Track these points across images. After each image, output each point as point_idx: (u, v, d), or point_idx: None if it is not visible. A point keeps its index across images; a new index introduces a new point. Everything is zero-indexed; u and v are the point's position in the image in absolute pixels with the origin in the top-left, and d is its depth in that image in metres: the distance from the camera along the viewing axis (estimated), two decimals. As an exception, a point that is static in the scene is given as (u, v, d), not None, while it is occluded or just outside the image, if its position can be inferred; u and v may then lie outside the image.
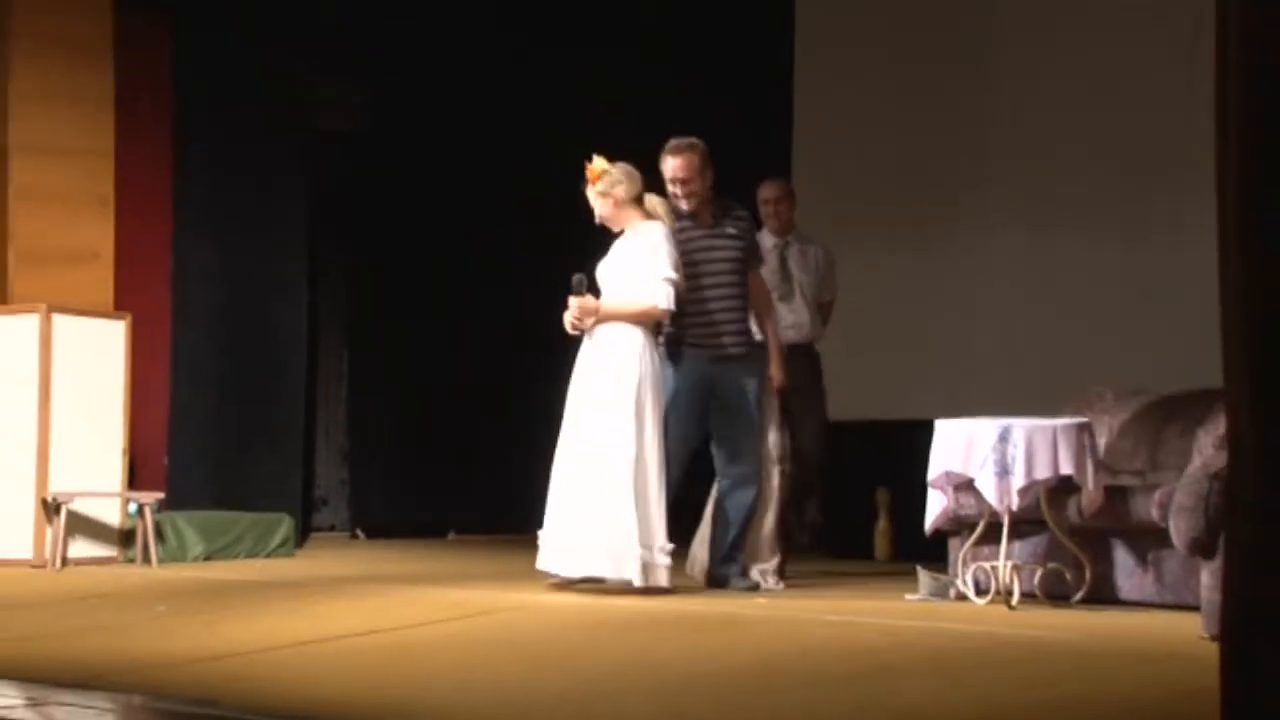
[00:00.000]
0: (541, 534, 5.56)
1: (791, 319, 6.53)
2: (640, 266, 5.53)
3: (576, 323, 5.53)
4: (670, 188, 5.79)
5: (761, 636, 4.49)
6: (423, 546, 8.48)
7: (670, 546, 5.41)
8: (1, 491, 6.80)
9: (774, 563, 5.90)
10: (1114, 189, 7.36)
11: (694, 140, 5.83)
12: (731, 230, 5.90)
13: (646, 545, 5.31)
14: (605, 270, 5.64)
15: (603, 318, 5.50)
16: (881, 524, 7.76)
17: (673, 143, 5.81)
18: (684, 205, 5.80)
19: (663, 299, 5.51)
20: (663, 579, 5.36)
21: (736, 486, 5.80)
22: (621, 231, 5.69)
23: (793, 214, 6.70)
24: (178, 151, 8.10)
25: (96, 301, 7.45)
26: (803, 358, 6.51)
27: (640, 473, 5.35)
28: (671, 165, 5.78)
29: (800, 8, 8.45)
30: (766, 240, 6.53)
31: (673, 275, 5.53)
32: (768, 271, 6.42)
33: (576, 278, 5.53)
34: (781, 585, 5.84)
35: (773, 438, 5.92)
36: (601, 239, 5.85)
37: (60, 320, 6.89)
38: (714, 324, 5.79)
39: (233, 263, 8.24)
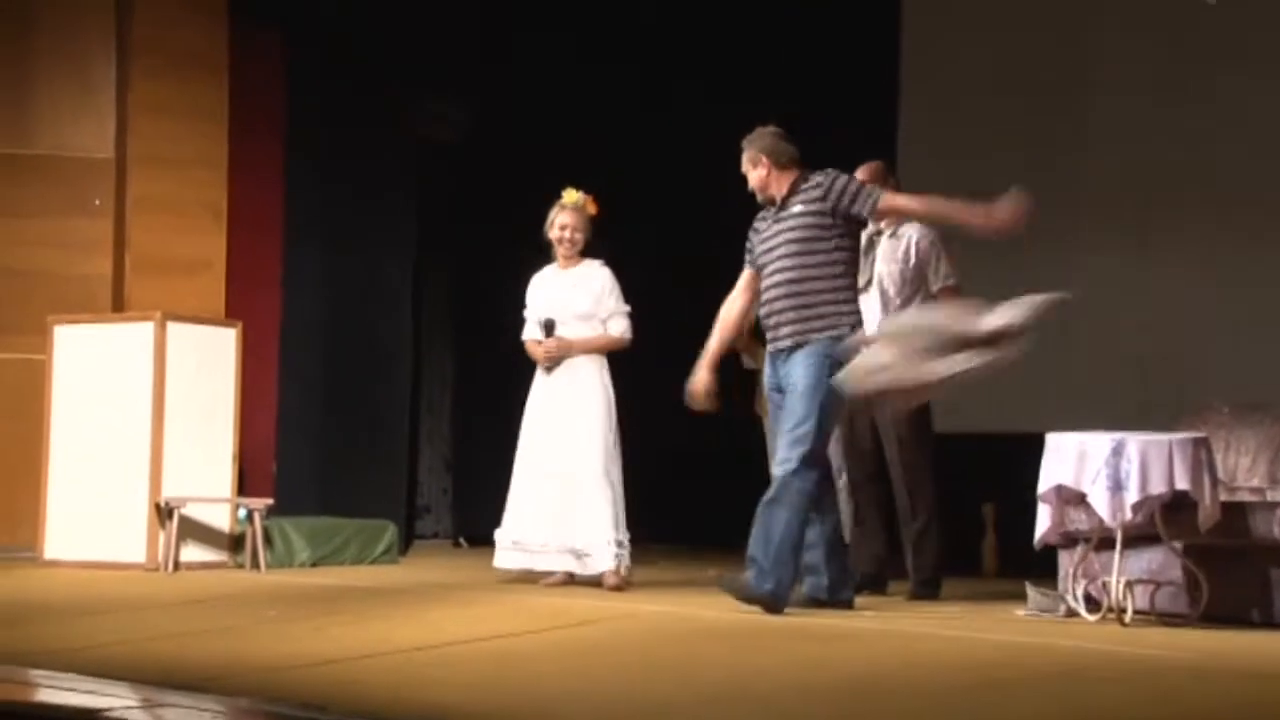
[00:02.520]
0: (518, 537, 6.25)
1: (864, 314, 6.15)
2: (599, 301, 6.29)
3: (550, 357, 6.30)
4: None
5: (867, 649, 4.44)
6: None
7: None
8: (116, 495, 6.95)
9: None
10: (1223, 197, 7.20)
11: (746, 139, 5.53)
12: (798, 208, 5.38)
13: (620, 539, 6.13)
14: (560, 300, 6.30)
15: (575, 351, 6.28)
16: (988, 538, 7.65)
17: None
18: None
19: (627, 331, 6.32)
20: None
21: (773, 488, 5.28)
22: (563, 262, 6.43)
23: None
24: (288, 164, 8.25)
25: (208, 310, 7.60)
26: None
27: (612, 474, 6.15)
28: None
29: (906, 35, 8.38)
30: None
31: (627, 307, 6.35)
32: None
33: (548, 320, 6.31)
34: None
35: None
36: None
37: (174, 328, 7.01)
38: (771, 316, 5.40)
39: (340, 273, 8.37)
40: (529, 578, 6.32)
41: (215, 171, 7.82)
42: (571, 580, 6.27)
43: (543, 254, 6.56)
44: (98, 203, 7.69)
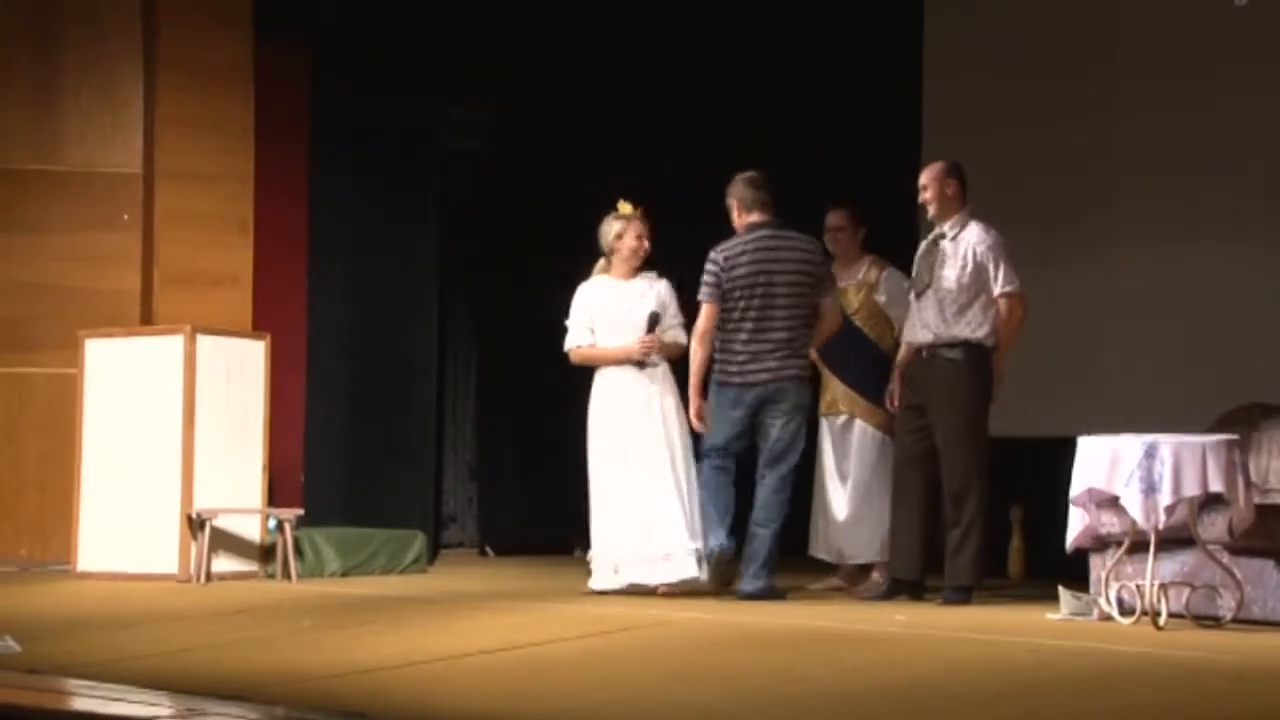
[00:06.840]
0: (619, 552, 6.14)
1: (917, 319, 6.08)
2: (665, 310, 6.30)
3: (650, 352, 6.22)
4: None
5: (904, 654, 4.45)
6: (551, 563, 8.52)
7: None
8: (148, 508, 6.97)
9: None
10: (1253, 197, 7.17)
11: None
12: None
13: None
14: (626, 308, 6.25)
15: (665, 353, 6.26)
16: (1015, 542, 7.63)
17: None
18: None
19: (685, 340, 6.28)
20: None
21: None
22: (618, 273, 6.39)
23: (948, 194, 6.07)
24: (313, 177, 8.28)
25: (236, 322, 7.63)
26: (938, 363, 6.01)
27: (693, 478, 6.18)
28: None
29: (929, 26, 8.37)
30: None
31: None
32: (919, 261, 6.14)
33: (653, 314, 6.24)
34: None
35: None
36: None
37: (204, 340, 7.04)
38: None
39: (365, 284, 8.39)
40: (632, 591, 6.11)
41: (242, 185, 7.86)
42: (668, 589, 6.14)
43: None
44: (126, 217, 7.74)
